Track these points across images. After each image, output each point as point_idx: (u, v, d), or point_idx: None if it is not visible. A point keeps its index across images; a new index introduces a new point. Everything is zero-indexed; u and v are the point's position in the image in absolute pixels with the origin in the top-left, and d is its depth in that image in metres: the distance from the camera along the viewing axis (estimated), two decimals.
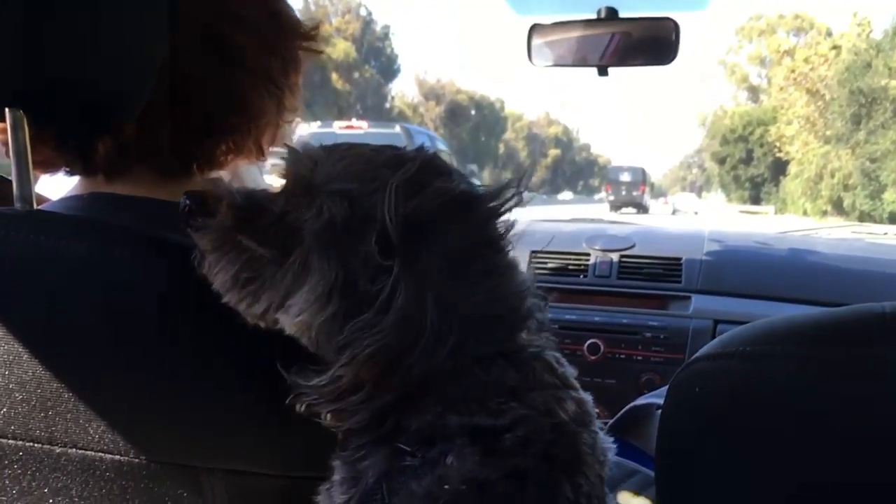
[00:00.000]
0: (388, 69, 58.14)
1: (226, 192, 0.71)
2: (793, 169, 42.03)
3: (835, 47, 40.10)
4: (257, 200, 0.71)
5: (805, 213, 36.86)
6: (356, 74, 51.77)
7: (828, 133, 37.47)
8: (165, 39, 0.83)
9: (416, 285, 0.61)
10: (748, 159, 54.31)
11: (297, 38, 1.00)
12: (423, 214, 0.63)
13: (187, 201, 0.72)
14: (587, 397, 0.71)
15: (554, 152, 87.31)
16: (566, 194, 72.49)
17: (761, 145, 51.96)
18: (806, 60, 41.49)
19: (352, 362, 0.62)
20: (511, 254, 0.69)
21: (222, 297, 0.71)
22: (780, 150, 44.87)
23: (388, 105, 59.10)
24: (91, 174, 0.95)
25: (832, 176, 35.03)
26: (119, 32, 0.79)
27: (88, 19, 0.76)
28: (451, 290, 0.62)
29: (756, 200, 51.88)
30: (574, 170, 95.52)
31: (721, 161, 57.66)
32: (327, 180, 0.66)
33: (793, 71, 42.25)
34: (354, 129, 12.55)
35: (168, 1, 0.82)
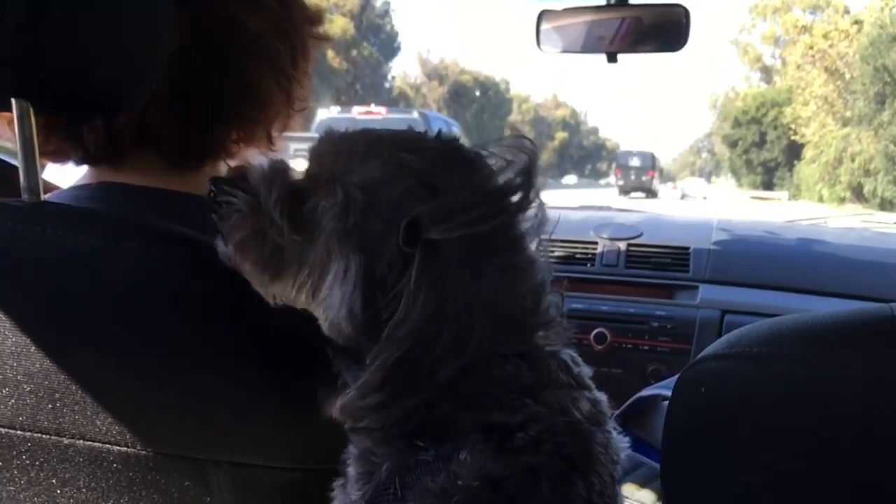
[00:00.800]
0: (388, 47, 55.34)
1: (251, 173, 0.71)
2: (808, 153, 39.48)
3: (857, 22, 36.74)
4: (285, 182, 0.70)
5: (821, 199, 34.81)
6: (354, 52, 49.81)
7: (847, 114, 35.24)
8: (173, 27, 0.82)
9: (440, 282, 0.61)
10: (761, 142, 51.30)
11: (305, 23, 1.00)
12: (446, 211, 0.62)
13: (212, 188, 0.71)
14: (602, 397, 0.71)
15: (561, 135, 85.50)
16: (570, 178, 70.97)
17: (775, 128, 49.06)
18: (825, 36, 38.15)
19: (381, 366, 0.62)
20: (530, 250, 0.69)
21: (239, 283, 0.71)
22: (795, 133, 41.94)
23: (387, 84, 56.79)
24: (99, 163, 0.95)
25: (852, 160, 32.47)
26: (125, 21, 0.79)
27: (93, 8, 0.76)
28: (471, 288, 0.62)
29: (769, 186, 49.28)
30: (581, 154, 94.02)
31: (732, 144, 55.05)
32: (351, 166, 0.65)
33: (811, 48, 39.00)
34: (373, 114, 12.97)
35: None
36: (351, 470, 0.67)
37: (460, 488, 0.60)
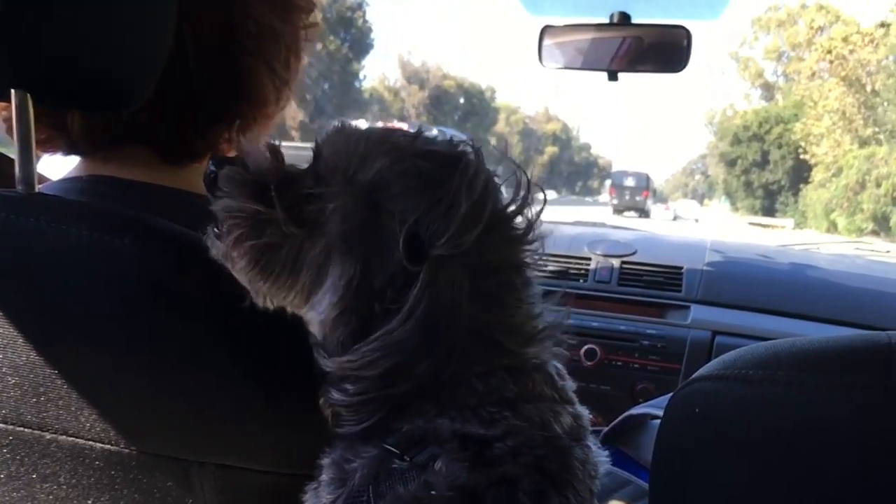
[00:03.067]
0: (360, 43, 49.01)
1: (254, 158, 0.69)
2: (817, 175, 34.38)
3: (883, 25, 32.28)
4: (287, 170, 0.69)
5: (832, 229, 30.16)
6: (319, 46, 44.78)
7: (867, 132, 31.18)
8: (173, 23, 0.82)
9: (440, 297, 0.60)
10: (763, 162, 45.96)
11: (299, 23, 1.00)
12: (453, 228, 0.61)
13: (212, 167, 0.70)
14: (584, 411, 0.71)
15: (551, 150, 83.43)
16: (549, 193, 68.73)
17: (779, 146, 43.56)
18: (845, 40, 33.07)
19: (370, 365, 0.61)
20: (525, 265, 0.68)
21: (229, 283, 0.70)
22: (805, 152, 36.61)
23: (358, 84, 50.73)
24: (89, 155, 0.94)
25: (877, 185, 27.80)
26: (127, 15, 0.78)
27: (96, 4, 0.76)
28: (468, 304, 0.61)
29: (769, 211, 44.42)
30: (572, 170, 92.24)
31: (730, 163, 49.60)
32: (359, 169, 0.64)
33: (829, 52, 33.55)
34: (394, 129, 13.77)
35: None
36: (324, 476, 0.66)
37: (433, 498, 0.59)
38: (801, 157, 37.89)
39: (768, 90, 52.24)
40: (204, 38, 0.89)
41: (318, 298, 0.66)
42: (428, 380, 0.61)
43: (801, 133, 37.07)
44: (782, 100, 47.84)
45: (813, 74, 37.09)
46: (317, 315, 0.66)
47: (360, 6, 47.37)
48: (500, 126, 73.49)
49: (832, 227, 30.57)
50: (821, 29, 37.34)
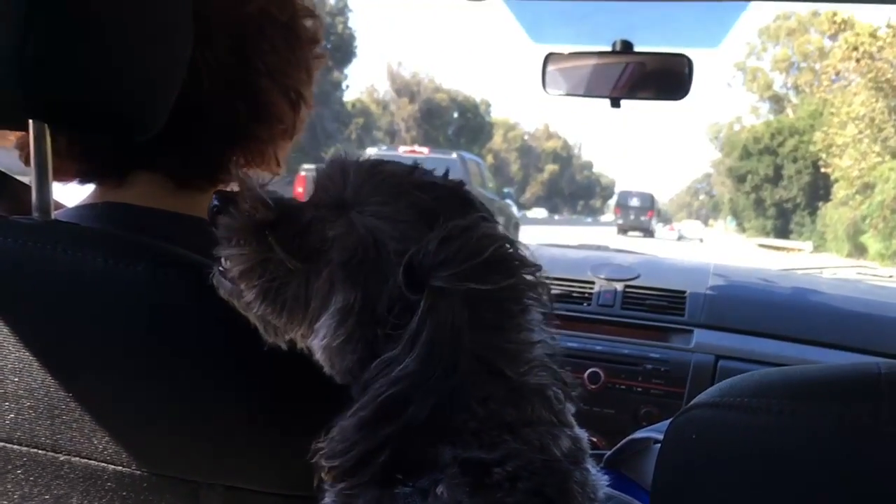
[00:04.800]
0: (341, 51, 44.22)
1: (255, 192, 0.71)
2: (840, 192, 29.99)
3: None
4: (286, 206, 0.70)
5: (855, 252, 26.54)
6: None
7: None
8: (189, 49, 0.84)
9: (441, 324, 0.61)
10: (776, 178, 41.27)
11: (309, 44, 1.02)
12: (453, 260, 0.63)
13: (216, 202, 0.71)
14: (582, 434, 0.71)
15: (551, 168, 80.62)
16: (538, 211, 62.18)
17: (794, 160, 39.41)
18: (873, 35, 28.46)
19: (370, 403, 0.62)
20: (523, 290, 0.69)
21: (236, 310, 0.71)
22: (825, 165, 31.91)
23: (339, 94, 45.73)
24: (104, 183, 0.96)
25: None
26: (143, 43, 0.80)
27: (113, 34, 0.78)
28: (468, 333, 0.63)
29: (783, 232, 39.72)
30: (573, 188, 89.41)
31: (740, 179, 44.90)
32: (358, 199, 0.66)
33: (854, 48, 28.76)
34: (417, 153, 14.60)
35: (192, 15, 0.83)
36: (327, 499, 0.67)
37: None
38: (823, 170, 33.51)
39: (778, 102, 48.80)
40: (217, 59, 0.90)
41: (321, 326, 0.67)
42: (432, 405, 0.62)
43: (822, 143, 32.50)
44: (795, 111, 43.62)
45: (838, 73, 33.11)
46: (320, 342, 0.68)
47: (341, 11, 43.85)
48: (497, 142, 70.98)
49: (856, 251, 27.00)
50: (844, 24, 32.85)
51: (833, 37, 36.81)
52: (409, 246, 0.64)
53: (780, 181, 41.30)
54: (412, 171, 0.69)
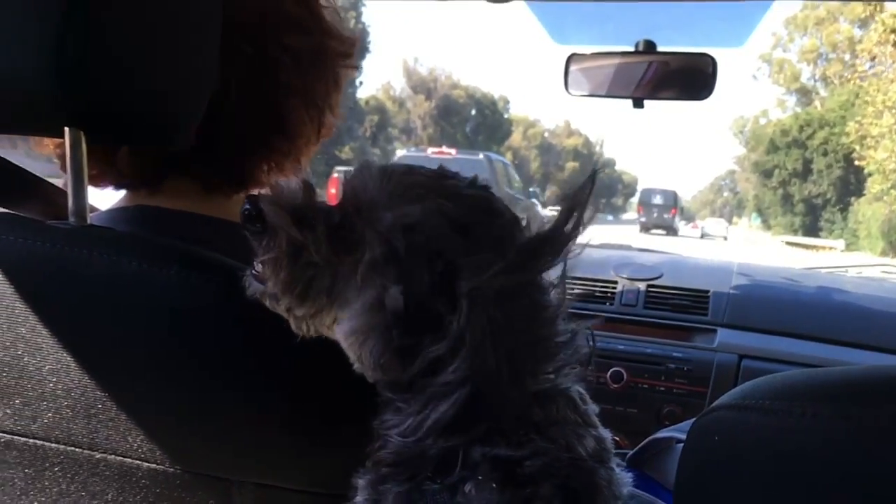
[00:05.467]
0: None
1: (287, 194, 0.72)
2: (874, 186, 28.20)
3: None
4: (316, 207, 0.72)
5: (885, 251, 24.96)
6: None
7: None
8: (218, 62, 0.86)
9: (482, 327, 0.62)
10: (804, 172, 38.84)
11: (339, 57, 1.03)
12: (484, 261, 0.64)
13: (247, 206, 0.73)
14: (607, 434, 0.72)
15: (572, 165, 77.50)
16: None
17: (825, 153, 37.09)
18: None
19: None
20: (549, 290, 0.70)
21: (269, 310, 0.73)
22: (860, 157, 29.68)
23: (352, 91, 43.71)
24: (137, 188, 0.99)
25: None
26: (180, 56, 0.82)
27: (147, 43, 0.79)
28: (504, 333, 0.63)
29: (811, 230, 37.66)
30: (595, 186, 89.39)
31: (766, 174, 42.75)
32: (392, 203, 0.67)
33: (893, 31, 27.30)
34: (444, 154, 15.09)
35: (222, 25, 0.85)
36: (359, 497, 0.68)
37: None
38: (856, 163, 31.29)
39: (805, 95, 46.72)
40: (242, 73, 0.92)
41: (350, 321, 0.68)
42: (474, 404, 0.63)
43: (855, 134, 30.28)
44: (824, 103, 40.89)
45: (873, 58, 30.85)
46: (348, 338, 0.69)
47: (354, 6, 42.07)
48: (517, 139, 69.43)
49: (891, 249, 25.45)
50: (877, 8, 29.79)
51: (863, 25, 35.14)
52: (440, 248, 0.65)
53: (808, 176, 39.03)
54: (442, 178, 0.71)
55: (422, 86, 55.87)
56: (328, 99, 1.02)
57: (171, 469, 0.76)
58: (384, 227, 0.66)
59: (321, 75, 1.00)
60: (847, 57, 37.53)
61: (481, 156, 15.62)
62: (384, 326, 0.66)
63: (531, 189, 23.13)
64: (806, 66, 45.79)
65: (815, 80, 45.48)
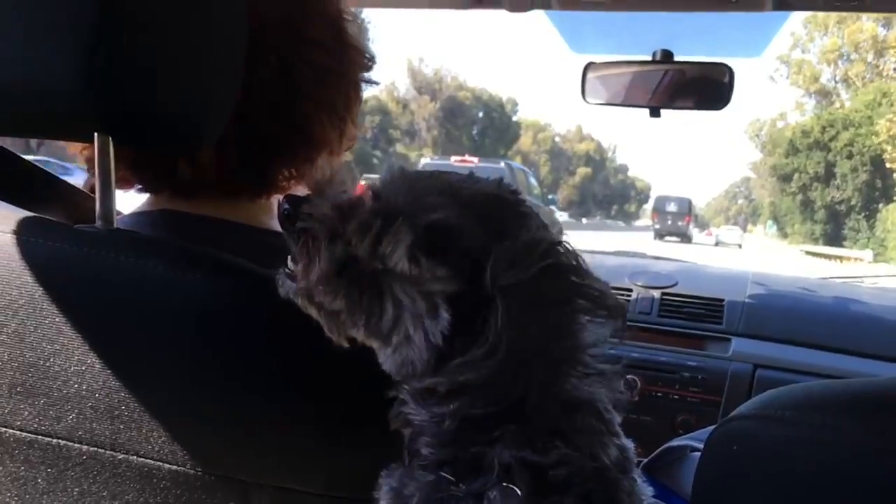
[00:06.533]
0: None
1: (326, 196, 0.73)
2: None
3: None
4: (360, 201, 0.72)
5: None
6: None
7: None
8: (243, 69, 0.87)
9: (513, 325, 0.62)
10: (827, 176, 36.28)
11: (358, 68, 1.04)
12: (513, 259, 0.64)
13: (286, 205, 0.73)
14: (629, 444, 0.72)
15: (584, 171, 76.72)
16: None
17: (849, 156, 34.42)
18: None
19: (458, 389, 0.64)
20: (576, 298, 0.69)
21: (293, 314, 0.72)
22: (891, 160, 28.37)
23: None
24: (160, 192, 1.00)
25: None
26: (204, 63, 0.83)
27: (174, 52, 0.80)
28: (532, 334, 0.64)
29: (834, 239, 34.92)
30: (607, 192, 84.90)
31: (784, 179, 39.75)
32: (424, 207, 0.68)
33: None
34: (468, 162, 16.34)
35: (248, 32, 0.86)
36: (382, 500, 0.69)
37: None
38: (888, 165, 29.04)
39: (825, 97, 44.47)
40: (265, 80, 0.93)
41: (392, 329, 0.67)
42: (507, 405, 0.63)
43: (886, 134, 28.36)
44: (844, 105, 37.51)
45: None
46: (392, 346, 0.68)
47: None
48: (526, 143, 67.53)
49: None
50: None
51: (888, 24, 33.41)
52: (476, 249, 0.65)
53: (831, 180, 36.00)
54: (466, 181, 0.71)
55: (427, 87, 54.46)
56: (349, 108, 1.03)
57: (192, 471, 0.77)
58: (421, 226, 0.66)
59: (342, 86, 1.01)
60: (870, 57, 35.41)
61: (503, 164, 16.43)
62: (415, 329, 0.66)
63: (550, 197, 23.41)
64: (826, 66, 43.55)
65: (837, 82, 43.11)
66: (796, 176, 38.22)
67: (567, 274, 0.68)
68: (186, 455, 0.77)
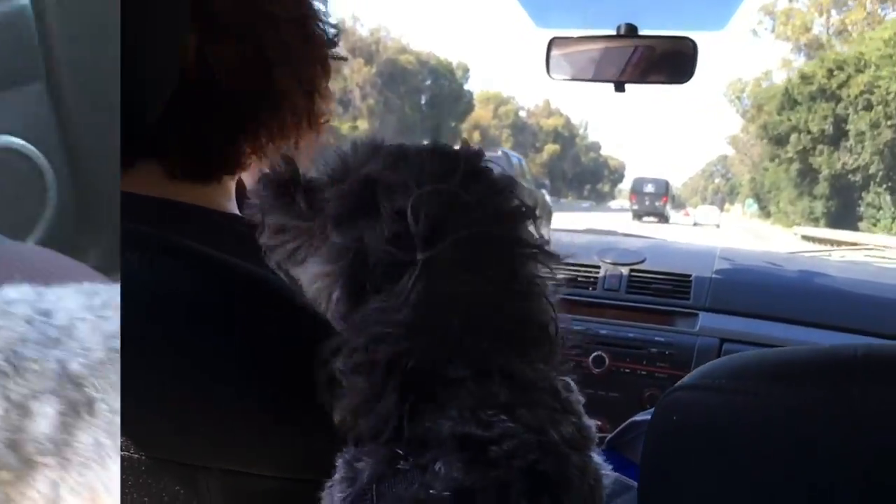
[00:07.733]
0: None
1: (281, 167, 0.76)
2: None
3: None
4: (297, 176, 0.75)
5: None
6: None
7: None
8: (186, 35, 0.84)
9: (437, 285, 0.63)
10: (836, 136, 26.40)
11: (324, 45, 1.01)
12: (452, 223, 0.64)
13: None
14: (590, 423, 0.71)
15: (552, 147, 73.06)
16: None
17: (867, 106, 24.68)
18: None
19: (367, 344, 0.64)
20: (531, 270, 0.69)
21: (244, 297, 0.75)
22: None
23: None
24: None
25: None
26: (135, 37, 0.81)
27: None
28: (468, 299, 0.64)
29: (839, 220, 25.79)
30: (578, 170, 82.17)
31: (778, 141, 29.85)
32: (360, 163, 0.69)
33: None
34: None
35: (198, 12, 0.84)
36: (337, 475, 0.68)
37: (431, 498, 0.61)
38: None
39: (817, 50, 35.64)
40: (228, 52, 0.89)
41: (313, 266, 0.70)
42: (427, 369, 0.63)
43: None
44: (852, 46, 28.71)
45: None
46: (310, 283, 0.70)
47: None
48: (485, 117, 63.61)
49: None
50: None
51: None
52: (405, 204, 0.65)
53: (842, 140, 26.47)
54: (428, 147, 0.72)
55: (362, 48, 48.71)
56: (316, 82, 1.00)
57: (136, 455, 0.76)
58: (353, 183, 0.68)
59: (310, 56, 0.98)
60: (869, 4, 29.52)
61: (500, 152, 17.12)
62: (344, 278, 0.67)
63: (543, 181, 23.92)
64: (818, 17, 36.72)
65: (830, 32, 35.88)
66: (794, 137, 28.54)
67: (519, 243, 0.67)
68: (131, 440, 0.75)
